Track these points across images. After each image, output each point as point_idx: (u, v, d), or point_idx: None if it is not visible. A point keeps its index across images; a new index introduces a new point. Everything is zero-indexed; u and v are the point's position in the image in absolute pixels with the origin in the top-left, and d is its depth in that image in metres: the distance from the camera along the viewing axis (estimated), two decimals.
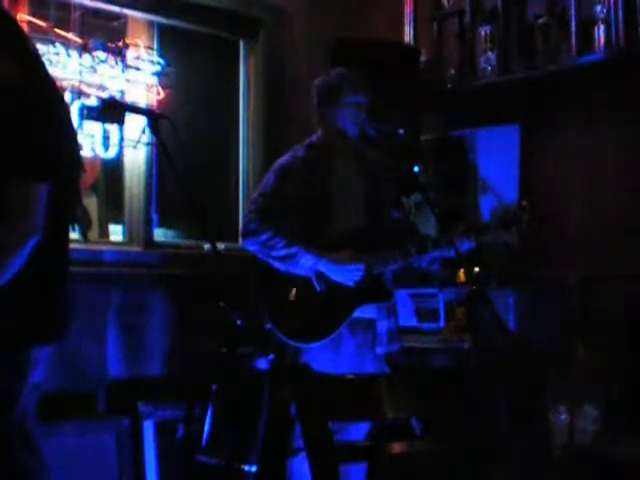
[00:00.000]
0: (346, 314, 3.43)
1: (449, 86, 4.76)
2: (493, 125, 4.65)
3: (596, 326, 4.04)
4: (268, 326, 3.47)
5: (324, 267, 3.42)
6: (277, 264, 3.47)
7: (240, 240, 3.59)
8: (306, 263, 3.41)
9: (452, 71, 4.77)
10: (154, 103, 4.53)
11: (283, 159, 3.62)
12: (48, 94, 2.64)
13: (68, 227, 2.79)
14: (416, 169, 4.36)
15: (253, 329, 3.50)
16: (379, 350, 3.53)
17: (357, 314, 3.46)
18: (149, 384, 4.34)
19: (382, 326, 3.53)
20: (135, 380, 4.32)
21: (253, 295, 3.52)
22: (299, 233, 3.46)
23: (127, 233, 4.60)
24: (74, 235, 4.14)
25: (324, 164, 3.57)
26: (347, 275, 3.43)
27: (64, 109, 2.77)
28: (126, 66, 4.40)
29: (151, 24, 4.67)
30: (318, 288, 3.44)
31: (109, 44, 4.36)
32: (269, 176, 3.60)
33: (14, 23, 2.75)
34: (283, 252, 3.43)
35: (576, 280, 4.17)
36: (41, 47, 4.05)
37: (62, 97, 2.87)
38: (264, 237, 3.45)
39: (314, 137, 3.64)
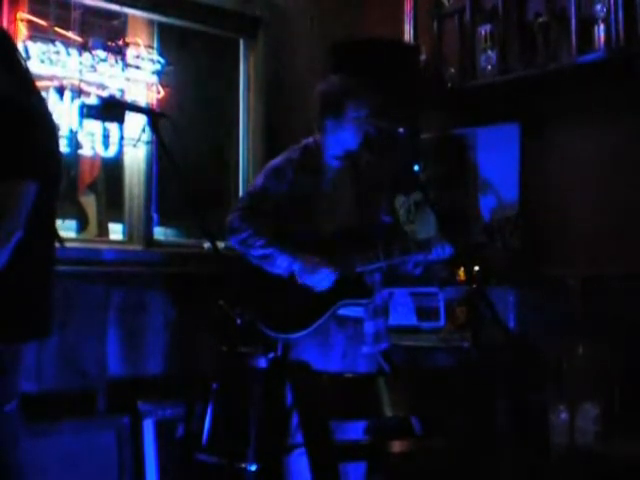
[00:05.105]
0: (326, 307, 3.47)
1: (449, 85, 4.76)
2: (493, 124, 4.65)
3: (596, 326, 4.04)
4: (247, 317, 3.49)
5: (297, 268, 3.45)
6: (256, 262, 3.52)
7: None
8: (282, 264, 3.47)
9: (452, 70, 4.77)
10: (154, 102, 4.53)
11: (276, 160, 3.65)
12: (36, 104, 2.81)
13: (53, 227, 2.85)
14: (416, 168, 4.36)
15: (253, 328, 3.51)
16: (365, 350, 3.56)
17: (343, 312, 3.50)
18: (149, 383, 4.34)
19: (369, 326, 3.57)
20: (135, 379, 4.32)
21: (238, 288, 3.54)
22: (283, 233, 3.50)
23: (127, 232, 4.60)
24: (72, 233, 4.19)
25: (317, 166, 3.59)
26: (316, 280, 3.45)
27: (49, 118, 2.90)
28: (126, 65, 4.41)
29: (151, 23, 4.67)
30: (300, 281, 3.47)
31: (109, 43, 4.36)
32: (260, 176, 3.66)
33: (6, 37, 2.92)
34: (260, 252, 3.49)
35: (576, 279, 4.17)
36: (41, 46, 4.07)
37: (47, 108, 3.02)
38: (244, 235, 3.51)
39: (311, 140, 3.64)
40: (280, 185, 3.54)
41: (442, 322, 4.33)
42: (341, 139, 3.55)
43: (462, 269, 4.16)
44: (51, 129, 2.83)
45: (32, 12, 4.10)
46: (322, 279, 3.45)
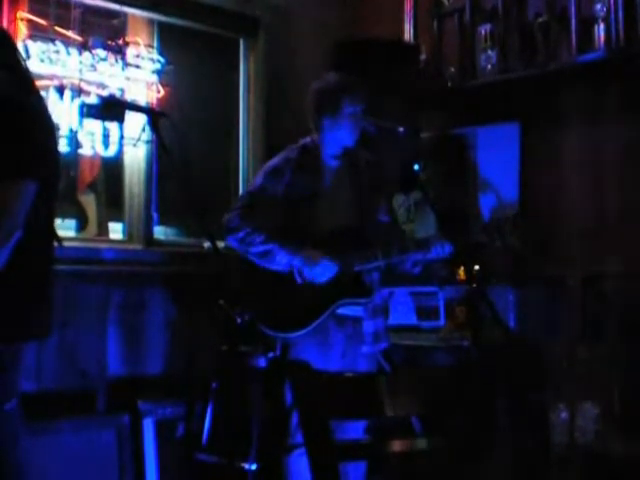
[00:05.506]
0: (325, 307, 3.47)
1: (449, 84, 4.75)
2: (493, 123, 4.65)
3: (596, 326, 4.04)
4: (247, 317, 3.49)
5: (298, 263, 3.45)
6: (256, 260, 3.51)
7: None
8: (282, 260, 3.46)
9: (452, 69, 4.76)
10: (154, 101, 4.53)
11: (275, 160, 3.65)
12: (36, 103, 2.82)
13: (52, 226, 2.86)
14: (416, 167, 4.36)
15: (253, 327, 3.51)
16: (364, 349, 3.56)
17: (342, 311, 3.50)
18: (149, 382, 4.35)
19: (368, 326, 3.57)
20: (135, 378, 4.32)
21: (238, 288, 3.54)
22: (282, 231, 3.49)
23: (127, 231, 4.60)
24: (71, 233, 4.18)
25: (315, 166, 3.58)
26: (317, 272, 3.45)
27: (48, 118, 2.90)
28: (126, 64, 4.40)
29: (151, 22, 4.67)
30: (299, 281, 3.47)
31: (109, 42, 4.36)
32: (258, 176, 3.66)
33: (6, 36, 2.93)
34: (260, 249, 3.48)
35: (576, 279, 4.16)
36: (41, 45, 4.07)
37: (47, 107, 3.02)
38: (242, 234, 3.51)
39: (308, 139, 3.64)
40: (278, 185, 3.54)
41: (442, 321, 4.33)
42: (338, 136, 3.55)
43: (462, 268, 4.16)
44: (50, 129, 2.84)
45: (32, 11, 4.10)
46: (323, 271, 3.45)
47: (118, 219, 4.63)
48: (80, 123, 4.21)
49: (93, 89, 4.28)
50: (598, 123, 4.33)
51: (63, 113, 4.14)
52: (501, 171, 4.60)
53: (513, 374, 3.92)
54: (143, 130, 4.38)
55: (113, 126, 4.31)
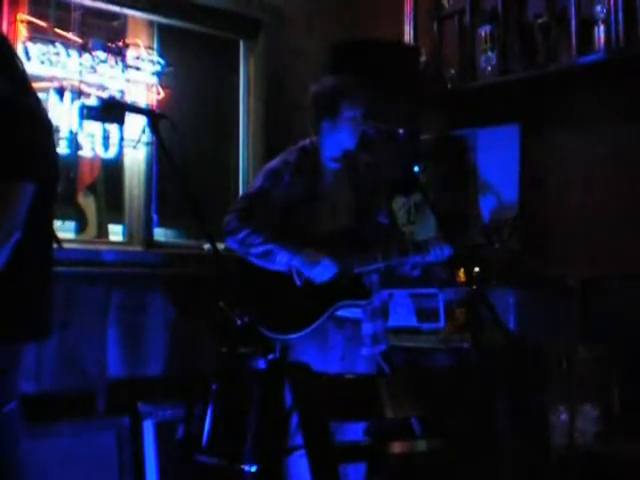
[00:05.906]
0: (324, 309, 3.46)
1: (449, 86, 4.76)
2: (493, 125, 4.65)
3: (596, 326, 4.04)
4: (246, 319, 3.49)
5: (298, 262, 3.44)
6: (256, 261, 3.51)
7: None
8: (282, 259, 3.45)
9: (452, 71, 4.77)
10: (154, 103, 4.53)
11: (273, 162, 3.65)
12: (34, 105, 2.83)
13: (51, 228, 2.86)
14: (416, 169, 4.37)
15: (253, 329, 3.51)
16: (363, 351, 3.56)
17: (342, 313, 3.50)
18: (149, 384, 4.35)
19: (367, 328, 3.57)
20: (135, 380, 4.32)
21: (237, 290, 3.53)
22: (281, 233, 3.49)
23: (127, 233, 4.60)
24: (71, 234, 4.19)
25: (314, 168, 3.58)
26: (317, 272, 3.44)
27: (47, 119, 2.91)
28: (126, 66, 4.41)
29: (151, 24, 4.67)
30: (298, 282, 3.47)
31: (109, 44, 4.36)
32: (257, 178, 3.66)
33: (4, 40, 2.93)
34: (260, 249, 3.47)
35: (576, 279, 4.17)
36: (41, 47, 4.07)
37: (45, 109, 3.01)
38: (242, 235, 3.50)
39: (307, 141, 3.64)
40: (277, 187, 3.54)
41: (442, 323, 4.33)
42: (338, 140, 3.54)
43: (462, 270, 4.16)
44: (48, 130, 2.85)
45: (32, 13, 4.10)
46: (323, 270, 3.44)
47: (118, 221, 4.64)
48: (80, 125, 4.21)
49: (93, 91, 4.28)
50: (598, 124, 4.33)
51: (63, 115, 4.14)
52: (501, 173, 4.60)
53: (513, 376, 3.92)
54: (143, 132, 4.39)
55: (113, 128, 4.31)
